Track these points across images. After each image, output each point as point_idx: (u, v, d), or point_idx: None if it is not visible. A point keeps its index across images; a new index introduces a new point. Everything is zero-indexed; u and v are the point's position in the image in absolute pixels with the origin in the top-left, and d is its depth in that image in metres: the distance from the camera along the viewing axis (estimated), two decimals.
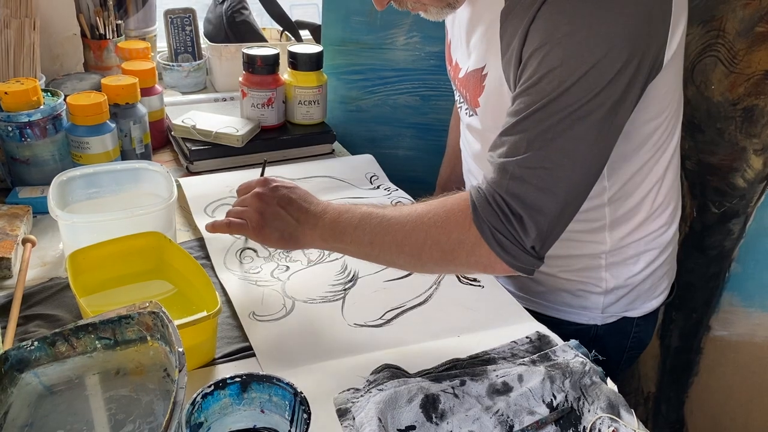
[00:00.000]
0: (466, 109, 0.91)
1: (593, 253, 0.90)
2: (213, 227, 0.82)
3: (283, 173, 1.10)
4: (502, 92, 0.78)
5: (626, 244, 0.89)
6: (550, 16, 0.68)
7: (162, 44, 1.48)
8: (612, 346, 0.97)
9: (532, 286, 0.97)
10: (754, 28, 1.12)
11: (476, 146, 0.92)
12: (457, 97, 0.97)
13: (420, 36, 1.29)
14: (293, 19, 1.47)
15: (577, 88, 0.66)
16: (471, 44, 0.84)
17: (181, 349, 0.56)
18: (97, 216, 0.82)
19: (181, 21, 1.41)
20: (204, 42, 1.44)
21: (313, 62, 1.19)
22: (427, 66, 1.33)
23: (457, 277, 0.89)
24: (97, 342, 0.61)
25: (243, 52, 1.18)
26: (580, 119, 0.67)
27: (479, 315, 0.83)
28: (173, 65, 1.40)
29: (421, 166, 1.36)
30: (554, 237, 0.72)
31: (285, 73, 1.22)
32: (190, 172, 1.13)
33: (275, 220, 0.78)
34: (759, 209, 1.24)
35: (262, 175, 0.80)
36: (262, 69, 1.17)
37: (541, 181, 0.69)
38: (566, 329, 0.94)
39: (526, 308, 0.96)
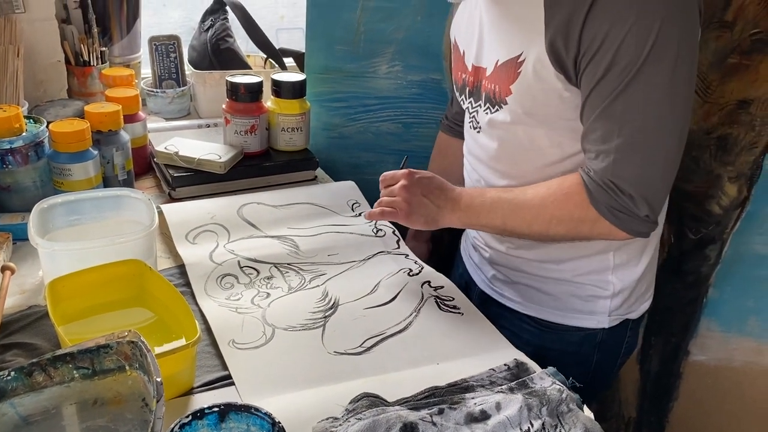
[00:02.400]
0: (485, 110, 0.92)
1: (603, 251, 0.93)
2: (370, 216, 0.95)
3: (264, 200, 1.10)
4: (542, 75, 0.82)
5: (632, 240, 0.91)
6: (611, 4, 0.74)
7: (146, 70, 1.49)
8: (612, 350, 1.03)
9: (542, 296, 0.99)
10: (726, 59, 1.15)
11: (492, 145, 0.94)
12: (470, 103, 0.97)
13: (402, 65, 1.31)
14: (278, 45, 1.49)
15: (649, 66, 0.74)
16: (498, 39, 0.88)
17: (159, 379, 0.56)
18: (77, 243, 0.82)
19: (165, 48, 1.43)
20: (188, 69, 1.45)
21: (297, 90, 1.21)
22: (408, 94, 1.35)
23: (437, 304, 0.90)
24: (74, 372, 0.61)
25: (227, 80, 1.19)
26: (662, 92, 0.76)
27: (458, 342, 0.83)
28: (157, 91, 1.41)
29: None
30: (662, 200, 0.84)
31: (268, 101, 1.23)
32: (173, 199, 1.13)
33: (420, 207, 0.91)
34: (735, 235, 1.26)
35: (403, 167, 0.93)
36: (245, 96, 1.18)
37: (640, 157, 0.78)
38: (574, 335, 0.99)
39: (533, 316, 1.00)
